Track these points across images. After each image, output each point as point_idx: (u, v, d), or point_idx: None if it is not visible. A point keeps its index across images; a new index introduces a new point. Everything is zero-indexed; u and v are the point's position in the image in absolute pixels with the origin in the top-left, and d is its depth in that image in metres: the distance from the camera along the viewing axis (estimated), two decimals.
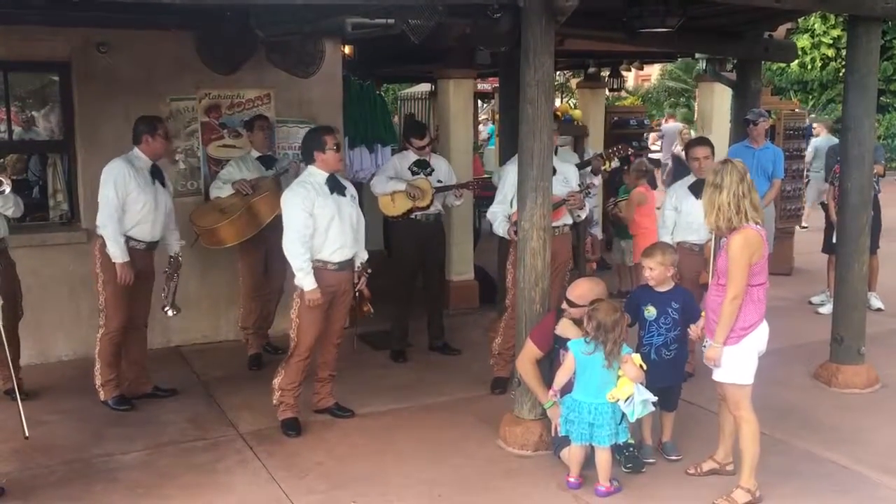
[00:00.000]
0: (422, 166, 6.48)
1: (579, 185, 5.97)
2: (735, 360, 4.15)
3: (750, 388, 4.21)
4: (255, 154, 6.38)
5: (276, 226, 5.33)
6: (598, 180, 6.02)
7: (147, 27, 6.27)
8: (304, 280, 4.92)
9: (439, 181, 6.49)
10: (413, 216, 6.41)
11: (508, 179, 5.76)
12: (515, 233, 5.52)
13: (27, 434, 4.47)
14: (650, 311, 4.68)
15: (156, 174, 5.52)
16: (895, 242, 9.40)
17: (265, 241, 6.10)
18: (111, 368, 5.49)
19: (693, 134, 12.56)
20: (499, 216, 5.80)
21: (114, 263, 5.29)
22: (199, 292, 6.88)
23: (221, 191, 6.20)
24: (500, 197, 5.84)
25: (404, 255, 6.58)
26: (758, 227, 4.13)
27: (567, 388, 4.46)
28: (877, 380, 5.97)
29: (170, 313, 5.76)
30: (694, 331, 4.57)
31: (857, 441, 5.03)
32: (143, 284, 5.53)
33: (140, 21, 6.09)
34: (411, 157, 6.52)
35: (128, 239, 5.36)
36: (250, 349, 6.46)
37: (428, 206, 6.40)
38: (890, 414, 5.50)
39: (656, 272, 4.66)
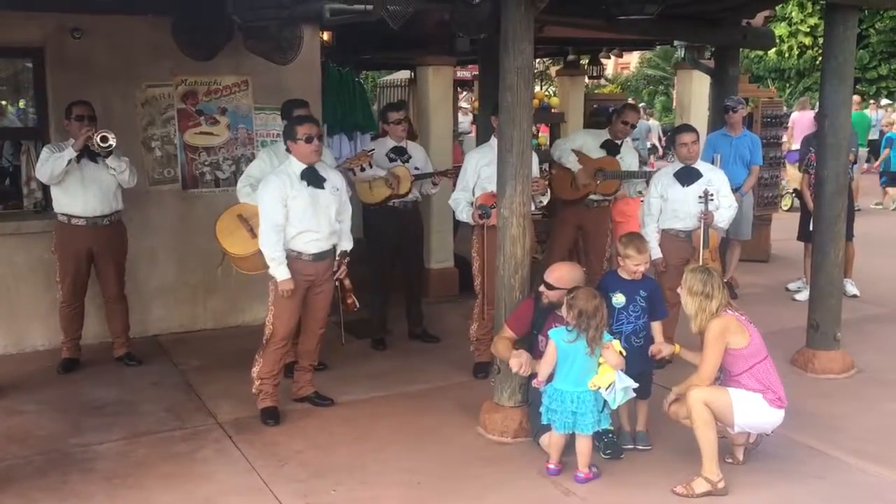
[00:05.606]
0: (399, 153, 6.46)
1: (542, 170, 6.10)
2: (752, 409, 4.25)
3: (719, 417, 4.26)
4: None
5: None
6: None
7: (122, 12, 6.18)
8: (277, 270, 4.95)
9: (416, 168, 6.48)
10: (391, 203, 6.39)
11: (470, 167, 5.89)
12: (480, 216, 5.59)
13: None
14: (619, 299, 4.66)
15: (83, 153, 5.68)
16: (869, 229, 9.47)
17: None
18: (65, 333, 6.04)
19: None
20: (461, 203, 5.90)
21: (64, 242, 5.82)
22: (177, 281, 6.83)
23: (251, 197, 5.39)
24: (462, 184, 5.95)
25: (382, 243, 6.55)
26: (733, 312, 4.29)
27: (548, 378, 4.46)
28: (852, 365, 6.03)
29: None
30: (655, 349, 4.64)
31: (832, 426, 5.08)
32: (100, 262, 5.94)
33: (115, 5, 6.00)
34: (389, 143, 6.49)
35: (69, 217, 5.78)
36: None
37: (406, 194, 6.38)
38: (865, 399, 5.56)
39: (643, 266, 4.69)
